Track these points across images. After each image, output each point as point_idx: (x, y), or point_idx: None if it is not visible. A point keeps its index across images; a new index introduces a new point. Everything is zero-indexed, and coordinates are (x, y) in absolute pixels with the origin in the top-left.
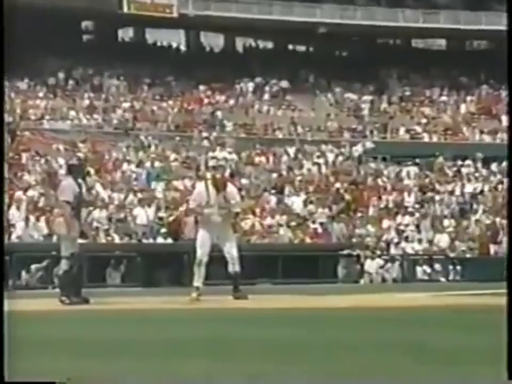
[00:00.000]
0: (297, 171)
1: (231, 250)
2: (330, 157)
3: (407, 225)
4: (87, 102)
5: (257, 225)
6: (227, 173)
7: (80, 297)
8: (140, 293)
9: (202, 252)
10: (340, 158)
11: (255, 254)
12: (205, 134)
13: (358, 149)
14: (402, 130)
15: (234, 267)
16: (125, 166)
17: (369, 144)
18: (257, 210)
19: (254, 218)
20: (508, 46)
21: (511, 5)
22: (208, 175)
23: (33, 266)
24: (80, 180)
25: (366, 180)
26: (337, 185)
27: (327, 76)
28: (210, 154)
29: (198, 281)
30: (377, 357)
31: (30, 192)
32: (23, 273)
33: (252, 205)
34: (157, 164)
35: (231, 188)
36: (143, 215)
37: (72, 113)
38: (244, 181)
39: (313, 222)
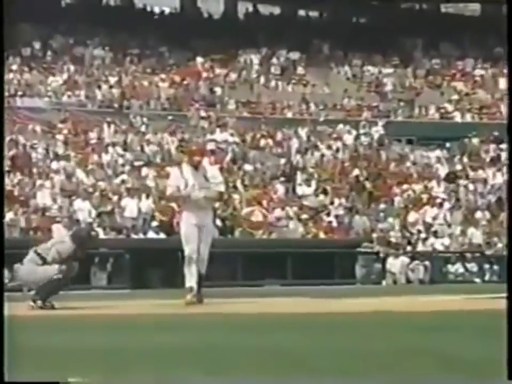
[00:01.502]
0: (310, 156)
1: (204, 248)
2: (348, 139)
3: (435, 218)
4: (66, 76)
5: (264, 218)
6: (228, 158)
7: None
8: (128, 295)
9: (190, 249)
10: (359, 141)
11: (261, 251)
12: (203, 113)
13: (379, 130)
14: (430, 109)
15: (202, 268)
16: (111, 149)
17: (392, 125)
18: (264, 201)
19: (260, 210)
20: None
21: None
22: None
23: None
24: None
25: (388, 166)
26: (356, 172)
27: (343, 46)
28: (209, 136)
29: (190, 281)
30: (401, 367)
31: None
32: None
33: (257, 194)
34: (147, 147)
35: (208, 166)
36: (132, 206)
37: (50, 89)
38: (247, 167)
39: (328, 215)
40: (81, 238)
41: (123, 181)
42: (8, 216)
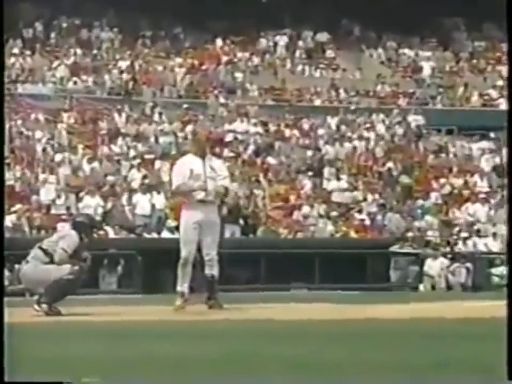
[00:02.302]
0: (339, 147)
1: (211, 248)
2: (381, 129)
3: (478, 215)
4: (72, 60)
5: (289, 216)
6: (250, 150)
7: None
8: (140, 300)
9: (187, 250)
10: (394, 131)
11: (286, 252)
12: (222, 101)
13: (416, 119)
14: (473, 95)
15: (211, 269)
16: (121, 140)
17: (431, 113)
18: (289, 197)
19: (285, 207)
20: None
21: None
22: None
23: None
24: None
25: (426, 159)
26: (390, 165)
27: (376, 27)
28: (228, 126)
29: (182, 285)
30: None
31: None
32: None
33: (282, 190)
34: (162, 138)
35: (216, 159)
36: (144, 203)
37: (55, 74)
38: (271, 160)
39: (360, 212)
40: (83, 224)
41: (135, 175)
42: (9, 214)
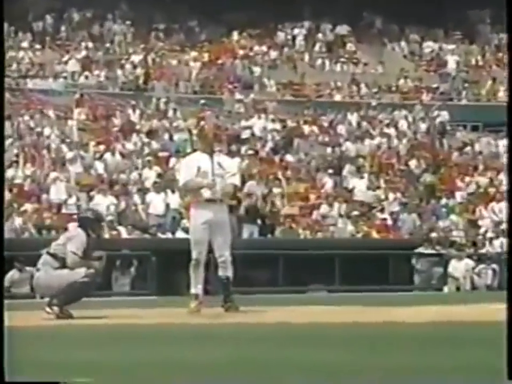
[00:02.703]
0: (360, 144)
1: (223, 248)
2: (404, 125)
3: (505, 215)
4: (84, 54)
5: (308, 216)
6: (268, 147)
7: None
8: (155, 303)
9: (198, 251)
10: (417, 127)
11: (305, 253)
12: (238, 96)
13: (440, 115)
14: (499, 90)
15: (225, 271)
16: (134, 137)
17: (455, 109)
18: (309, 196)
19: (304, 207)
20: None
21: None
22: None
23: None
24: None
25: (451, 156)
26: (413, 162)
27: (398, 19)
28: (245, 123)
29: (196, 287)
30: None
31: (11, 172)
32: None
33: (301, 188)
34: (176, 135)
35: (226, 156)
36: (158, 202)
37: (66, 68)
38: (290, 157)
39: (382, 211)
40: (88, 220)
41: (148, 173)
42: (18, 213)
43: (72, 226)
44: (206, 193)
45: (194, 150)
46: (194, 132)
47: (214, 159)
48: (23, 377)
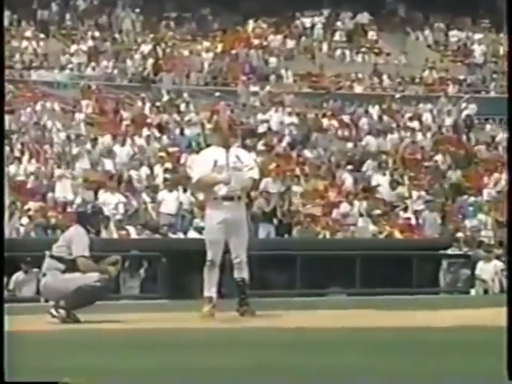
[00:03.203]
0: (383, 139)
1: (239, 249)
2: (429, 119)
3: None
4: (91, 44)
5: (328, 214)
6: (285, 142)
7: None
8: (166, 306)
9: (213, 252)
10: (442, 121)
11: (324, 253)
12: (254, 88)
13: (467, 108)
14: None
15: (241, 272)
16: (144, 132)
17: (483, 101)
18: (328, 194)
19: (323, 205)
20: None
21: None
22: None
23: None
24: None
25: (479, 151)
26: (438, 158)
27: (423, 7)
28: (261, 116)
29: (210, 290)
30: None
31: (13, 168)
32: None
33: (320, 186)
34: (188, 129)
35: (238, 148)
36: (169, 200)
37: (71, 59)
38: (308, 153)
39: (405, 210)
40: (85, 215)
41: (159, 170)
42: (22, 212)
43: (72, 226)
44: (222, 190)
45: (207, 145)
46: (208, 126)
47: (230, 153)
48: None
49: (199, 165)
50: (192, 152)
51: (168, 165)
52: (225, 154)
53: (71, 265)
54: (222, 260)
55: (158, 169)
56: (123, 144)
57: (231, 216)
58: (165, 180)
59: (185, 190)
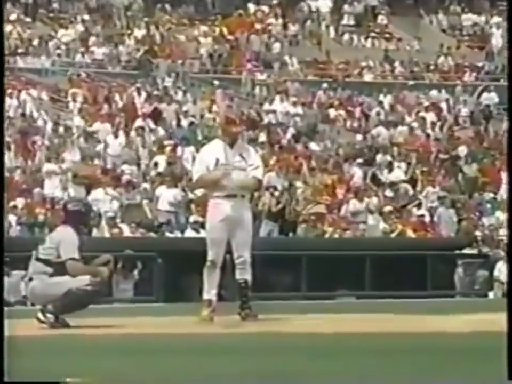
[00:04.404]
0: (394, 131)
1: (242, 248)
2: (444, 109)
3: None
4: (81, 28)
5: (335, 212)
6: (289, 134)
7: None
8: (161, 310)
9: (214, 252)
10: (459, 111)
11: (331, 253)
12: (256, 77)
13: (486, 97)
14: None
15: (243, 273)
16: (138, 123)
17: (503, 90)
18: (335, 190)
19: (330, 202)
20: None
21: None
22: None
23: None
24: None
25: (497, 144)
26: (454, 151)
27: None
28: (266, 106)
29: (210, 293)
30: None
31: None
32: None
33: (327, 181)
34: (185, 120)
35: (244, 143)
36: (166, 196)
37: (60, 45)
38: (314, 146)
39: (419, 207)
40: (78, 214)
41: (155, 164)
42: (7, 209)
43: (60, 226)
44: (223, 190)
45: (205, 138)
46: (208, 116)
47: (234, 150)
48: None
49: (200, 162)
50: (189, 144)
51: (164, 159)
52: (229, 152)
53: (59, 269)
54: (223, 261)
55: (153, 163)
56: (116, 136)
57: (234, 213)
58: (161, 174)
59: (183, 185)
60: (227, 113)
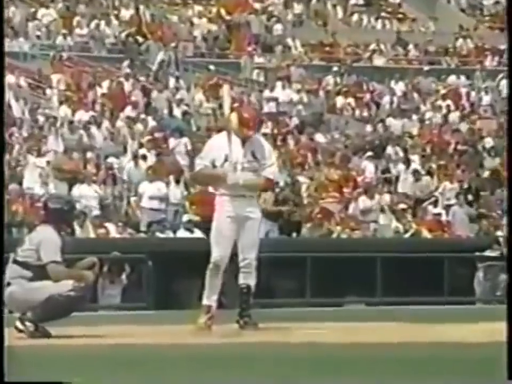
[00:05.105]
0: (408, 120)
1: (249, 250)
2: (463, 96)
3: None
4: (62, 8)
5: (343, 210)
6: (293, 124)
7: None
8: (151, 318)
9: (219, 253)
10: (479, 99)
11: (339, 255)
12: (258, 60)
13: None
14: None
15: (247, 278)
16: (126, 112)
17: None
18: (343, 186)
19: (338, 199)
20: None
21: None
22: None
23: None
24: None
25: None
26: (474, 143)
27: None
28: (267, 93)
29: (210, 298)
30: None
31: None
32: None
33: (334, 176)
34: (178, 109)
35: (261, 141)
36: (156, 193)
37: (40, 26)
38: (319, 137)
39: (435, 204)
40: (60, 213)
41: (144, 157)
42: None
43: (41, 225)
44: (231, 188)
45: (197, 129)
46: (206, 105)
47: (246, 148)
48: None
49: (207, 154)
50: (182, 136)
51: (154, 151)
52: (240, 149)
53: (39, 273)
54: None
55: (142, 156)
56: (100, 126)
57: (242, 212)
58: (151, 168)
59: (177, 181)
60: (243, 112)
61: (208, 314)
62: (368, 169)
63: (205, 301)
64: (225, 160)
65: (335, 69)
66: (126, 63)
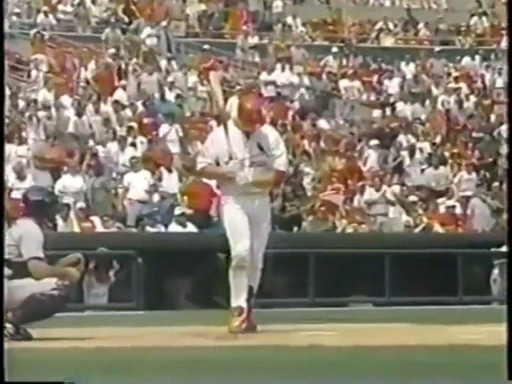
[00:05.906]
0: (418, 106)
1: (257, 249)
2: (477, 78)
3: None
4: None
5: (348, 202)
6: (293, 110)
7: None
8: (141, 319)
9: (241, 247)
10: (495, 81)
11: (344, 252)
12: (254, 40)
13: None
14: None
15: (250, 280)
16: (114, 96)
17: None
18: (348, 176)
19: (343, 191)
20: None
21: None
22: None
23: None
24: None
25: None
26: (490, 129)
27: None
28: (265, 76)
29: (239, 298)
30: None
31: None
32: None
33: (338, 165)
34: (170, 93)
35: (267, 129)
36: (146, 184)
37: (19, 4)
38: (323, 123)
39: (449, 197)
40: (42, 205)
41: (133, 145)
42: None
43: (20, 219)
44: (239, 186)
45: (192, 115)
46: (201, 88)
47: (252, 141)
48: None
49: (208, 151)
50: (174, 122)
51: (143, 139)
52: (245, 144)
53: (20, 270)
54: (218, 263)
55: (131, 144)
56: (85, 111)
57: (252, 211)
58: (141, 158)
59: (169, 171)
60: (246, 103)
61: (242, 316)
62: (375, 158)
63: (234, 303)
64: (230, 158)
65: (337, 49)
66: (113, 43)
